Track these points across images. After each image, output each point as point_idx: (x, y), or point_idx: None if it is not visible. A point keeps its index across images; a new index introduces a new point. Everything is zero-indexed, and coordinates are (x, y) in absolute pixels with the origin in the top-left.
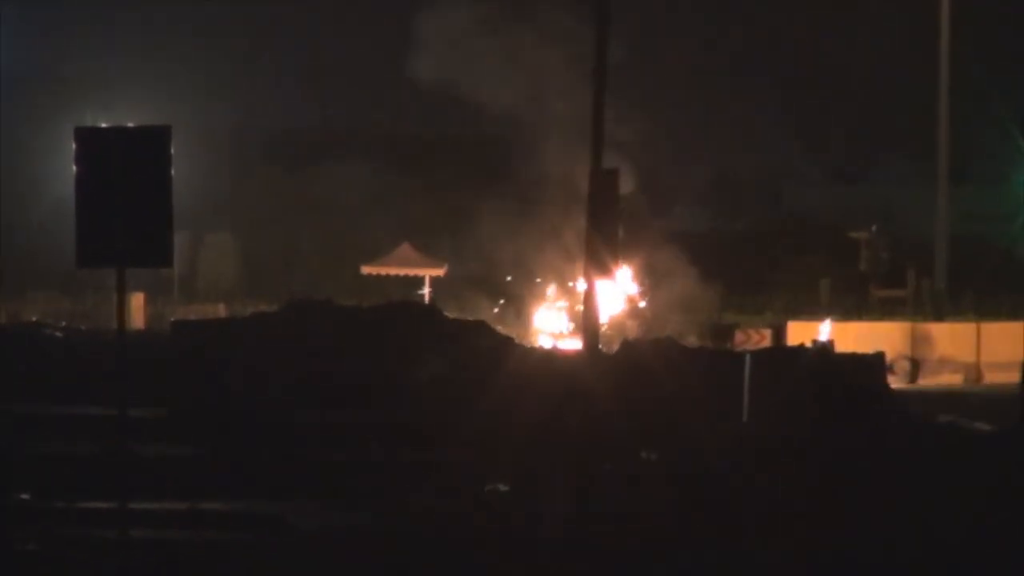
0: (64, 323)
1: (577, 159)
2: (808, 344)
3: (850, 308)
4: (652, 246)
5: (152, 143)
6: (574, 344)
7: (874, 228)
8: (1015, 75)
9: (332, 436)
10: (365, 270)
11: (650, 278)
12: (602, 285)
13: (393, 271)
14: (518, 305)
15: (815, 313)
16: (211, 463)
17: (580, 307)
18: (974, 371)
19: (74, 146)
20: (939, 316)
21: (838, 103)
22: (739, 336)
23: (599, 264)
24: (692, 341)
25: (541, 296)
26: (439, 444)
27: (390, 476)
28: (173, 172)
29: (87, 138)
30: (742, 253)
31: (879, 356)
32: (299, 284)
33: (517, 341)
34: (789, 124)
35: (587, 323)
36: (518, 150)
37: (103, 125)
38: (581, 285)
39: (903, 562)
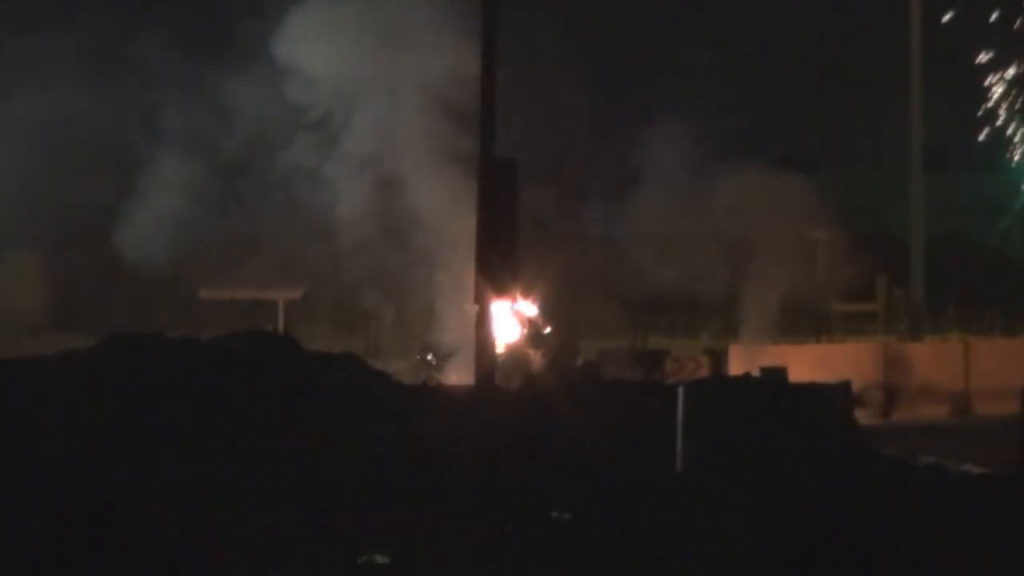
0: None
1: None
2: (755, 373)
3: (806, 326)
4: (560, 256)
5: None
6: (459, 379)
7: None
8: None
9: (161, 501)
10: (204, 294)
11: (557, 296)
12: (498, 306)
13: (239, 295)
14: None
15: (763, 334)
16: None
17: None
18: (961, 400)
19: None
20: (917, 334)
21: (791, 74)
22: (670, 365)
23: (493, 279)
24: (611, 372)
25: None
26: (297, 505)
27: (237, 547)
28: None
29: None
30: (673, 262)
31: (844, 385)
32: (121, 313)
33: (395, 378)
34: (732, 100)
35: (480, 353)
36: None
37: None
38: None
39: None
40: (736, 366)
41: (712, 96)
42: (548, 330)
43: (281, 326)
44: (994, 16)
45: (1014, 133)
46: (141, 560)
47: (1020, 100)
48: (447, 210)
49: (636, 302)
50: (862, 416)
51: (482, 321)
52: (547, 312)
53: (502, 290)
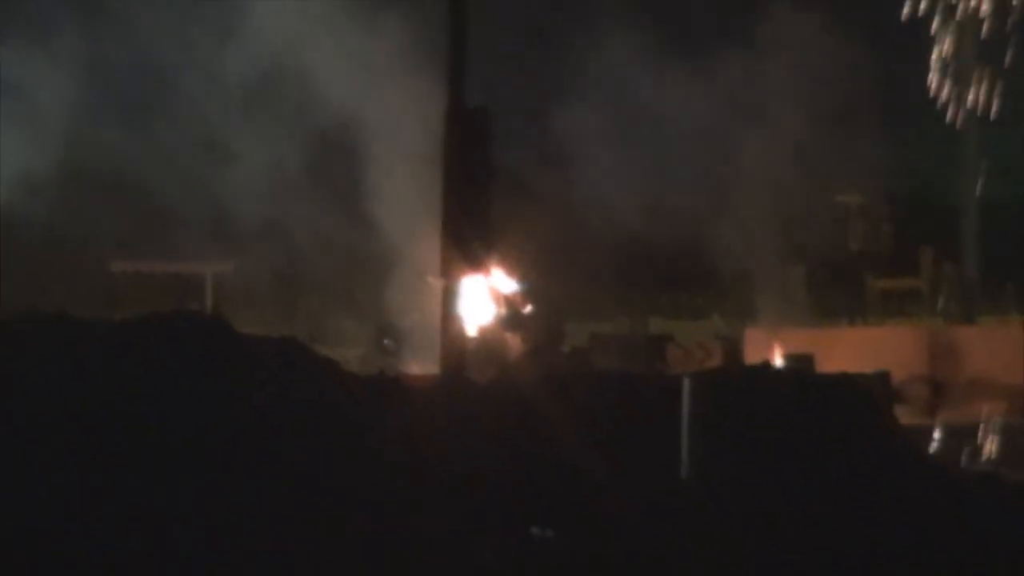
0: None
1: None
2: (775, 362)
3: (837, 307)
4: (544, 221)
5: None
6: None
7: (872, 191)
8: None
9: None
10: (118, 267)
11: (540, 269)
12: (468, 282)
13: (159, 268)
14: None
15: (786, 316)
16: None
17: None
18: (1022, 396)
19: None
20: (969, 317)
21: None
22: (674, 352)
23: (463, 249)
24: (604, 361)
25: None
26: (213, 526)
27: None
28: None
29: None
30: (678, 231)
31: (882, 377)
32: (19, 289)
33: (347, 365)
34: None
35: (448, 337)
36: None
37: None
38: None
39: None
40: (753, 354)
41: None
42: (529, 310)
43: (209, 305)
44: None
45: None
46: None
47: None
48: (408, 166)
49: (635, 277)
50: (903, 414)
51: (449, 299)
52: (528, 289)
53: (473, 262)
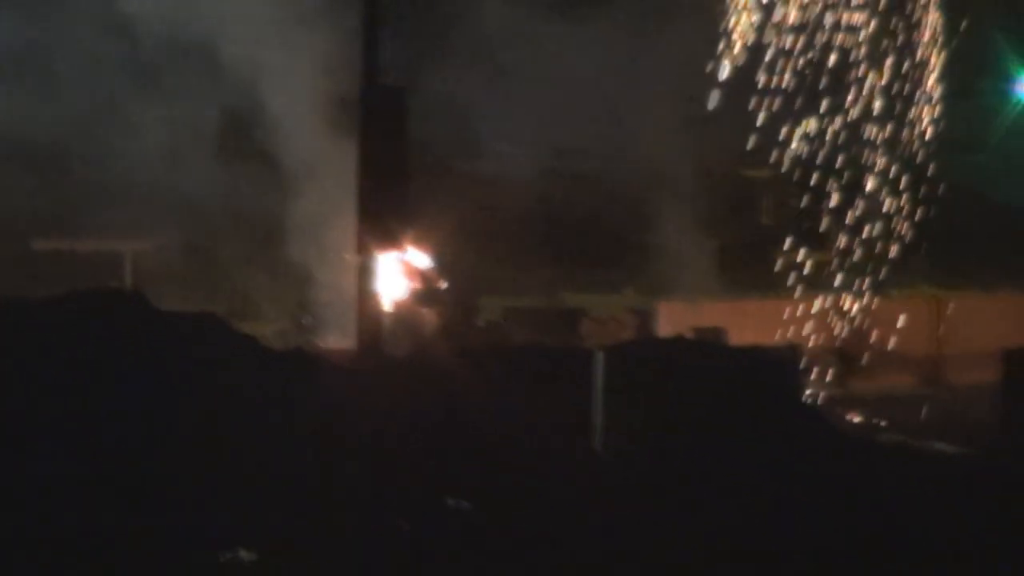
0: None
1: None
2: (688, 334)
3: (748, 280)
4: (458, 199)
5: None
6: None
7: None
8: None
9: None
10: (39, 245)
11: (454, 245)
12: (384, 257)
13: (80, 246)
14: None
15: (699, 290)
16: None
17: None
18: (931, 367)
19: None
20: (880, 289)
21: None
22: (589, 326)
23: (378, 226)
24: (518, 335)
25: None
26: (148, 495)
27: (75, 548)
28: None
29: None
30: (591, 206)
31: (792, 349)
32: None
33: (265, 340)
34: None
35: (364, 313)
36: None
37: None
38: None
39: None
40: (667, 327)
41: None
42: (444, 285)
43: (129, 282)
44: None
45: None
46: None
47: None
48: (323, 139)
49: (548, 251)
50: (814, 386)
51: (366, 275)
52: (442, 264)
53: (389, 238)
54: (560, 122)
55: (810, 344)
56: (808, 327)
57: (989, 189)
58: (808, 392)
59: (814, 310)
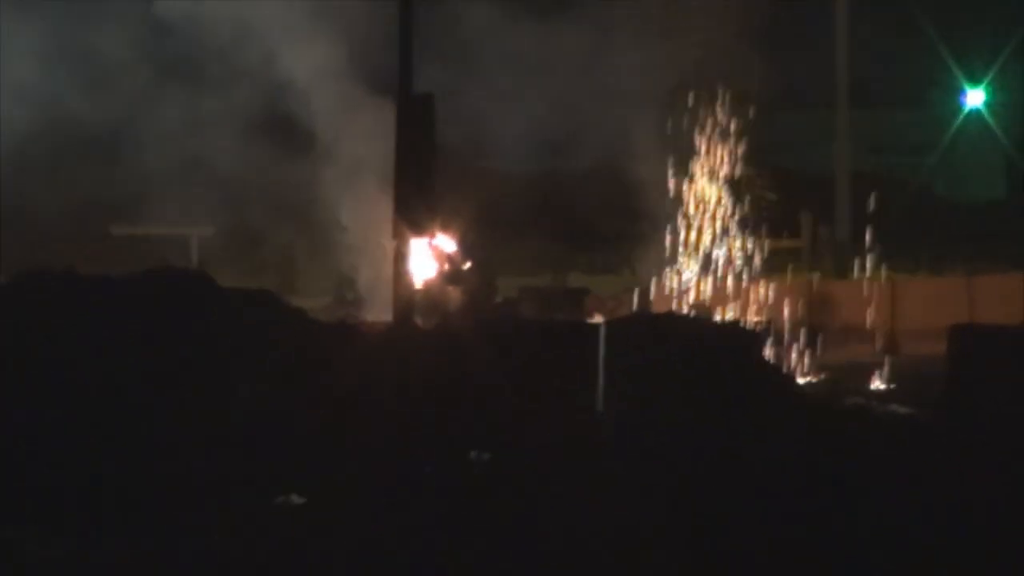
0: None
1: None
2: (679, 310)
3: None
4: (479, 192)
5: None
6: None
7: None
8: None
9: (75, 446)
10: (116, 231)
11: (475, 233)
12: (415, 243)
13: (153, 231)
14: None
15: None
16: None
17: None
18: (888, 340)
19: None
20: (842, 272)
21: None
22: (593, 303)
23: (410, 216)
24: (530, 311)
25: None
26: (215, 443)
27: (152, 493)
28: None
29: None
30: (593, 199)
31: (767, 324)
32: (28, 249)
33: (312, 313)
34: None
35: (398, 291)
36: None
37: None
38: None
39: None
40: (660, 306)
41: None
42: (466, 267)
43: (195, 262)
44: None
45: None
46: (47, 508)
47: None
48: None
49: (556, 237)
50: (787, 356)
51: (400, 258)
52: (466, 249)
53: (419, 227)
54: (562, 123)
55: (784, 319)
56: (781, 304)
57: (939, 188)
58: (782, 359)
59: (786, 290)
